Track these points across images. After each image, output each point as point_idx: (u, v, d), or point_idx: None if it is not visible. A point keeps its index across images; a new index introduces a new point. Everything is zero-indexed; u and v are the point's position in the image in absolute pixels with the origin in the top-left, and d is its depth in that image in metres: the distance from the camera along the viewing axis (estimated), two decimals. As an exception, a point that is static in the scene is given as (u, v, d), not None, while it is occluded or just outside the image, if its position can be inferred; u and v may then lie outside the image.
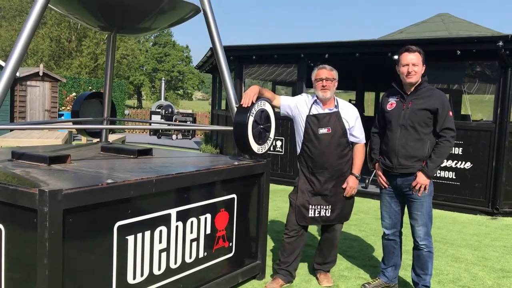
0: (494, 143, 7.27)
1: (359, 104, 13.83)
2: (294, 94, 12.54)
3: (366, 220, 6.50)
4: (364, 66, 11.43)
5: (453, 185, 7.53)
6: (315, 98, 3.87)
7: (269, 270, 4.24)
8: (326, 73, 3.81)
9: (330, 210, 3.85)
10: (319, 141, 3.78)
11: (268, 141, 3.91)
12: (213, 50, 4.16)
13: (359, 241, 5.46)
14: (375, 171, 3.96)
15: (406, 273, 4.28)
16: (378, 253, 4.88)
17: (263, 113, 3.78)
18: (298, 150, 3.96)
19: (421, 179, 3.55)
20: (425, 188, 3.58)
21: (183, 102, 60.07)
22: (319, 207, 3.85)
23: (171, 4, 3.91)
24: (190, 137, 19.74)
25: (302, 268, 4.36)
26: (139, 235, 2.83)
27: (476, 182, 7.38)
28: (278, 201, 7.29)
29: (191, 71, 57.15)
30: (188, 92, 62.12)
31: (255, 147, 3.73)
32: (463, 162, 7.46)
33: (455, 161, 7.51)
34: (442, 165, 7.53)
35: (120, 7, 3.79)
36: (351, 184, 3.87)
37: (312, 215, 3.85)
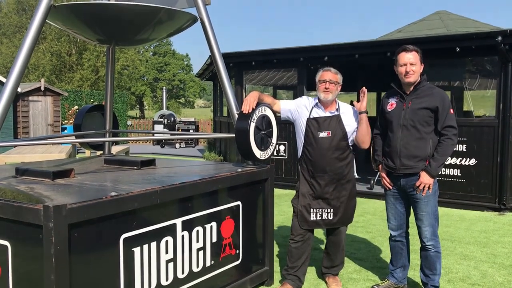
0: (498, 138, 7.24)
1: (361, 105, 13.81)
2: (295, 97, 12.55)
3: (372, 221, 6.47)
4: (364, 67, 11.43)
5: (459, 182, 7.50)
6: (317, 101, 3.87)
7: (277, 276, 4.23)
8: (330, 75, 3.80)
9: (332, 213, 3.83)
10: (318, 144, 3.77)
11: (270, 146, 3.90)
12: (211, 58, 4.17)
13: (366, 243, 5.44)
14: (379, 172, 3.94)
15: (415, 273, 4.26)
16: (386, 254, 4.86)
17: (264, 119, 3.78)
18: (299, 153, 3.96)
19: (425, 179, 3.53)
20: (429, 188, 3.56)
21: (185, 110, 60.25)
22: (320, 210, 3.84)
23: (168, 15, 3.92)
24: (194, 145, 19.77)
25: (311, 273, 4.35)
26: (145, 247, 2.82)
27: (481, 178, 7.35)
28: (284, 206, 7.28)
29: (192, 79, 57.34)
30: (190, 100, 62.30)
31: (257, 153, 3.72)
32: (468, 159, 7.43)
33: (460, 158, 7.48)
34: (447, 163, 7.50)
35: (117, 20, 3.80)
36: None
37: (314, 218, 3.83)
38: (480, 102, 11.43)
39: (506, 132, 7.19)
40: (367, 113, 3.81)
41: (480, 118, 8.74)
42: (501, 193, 7.19)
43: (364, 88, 3.79)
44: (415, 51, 3.59)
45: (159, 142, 19.80)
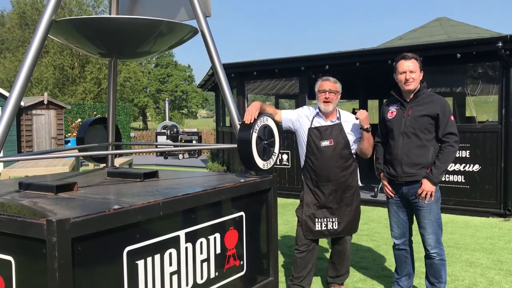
0: (501, 144, 7.23)
1: (363, 113, 13.82)
2: (297, 106, 12.55)
3: (377, 229, 6.44)
4: (366, 74, 11.46)
5: (463, 188, 7.47)
6: (317, 110, 3.88)
7: (282, 286, 4.20)
8: (329, 85, 3.81)
9: (337, 222, 3.82)
10: (321, 153, 3.77)
11: (273, 156, 3.90)
12: (213, 69, 4.18)
13: (371, 251, 5.41)
14: None
15: (420, 281, 4.23)
16: (391, 263, 4.83)
17: (266, 129, 3.78)
18: (302, 163, 3.96)
19: (427, 186, 3.52)
20: (431, 195, 3.55)
21: (188, 121, 60.44)
22: (325, 220, 3.83)
23: (169, 27, 3.94)
24: (197, 155, 19.78)
25: (316, 282, 4.33)
26: (149, 259, 2.81)
27: (485, 184, 7.32)
28: (288, 215, 7.26)
29: (194, 89, 57.61)
30: (193, 111, 62.55)
31: (260, 163, 3.72)
32: (471, 165, 7.41)
33: (463, 164, 7.46)
34: (450, 169, 7.48)
35: (119, 34, 3.82)
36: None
37: (319, 228, 3.83)
38: (483, 107, 11.42)
39: (509, 137, 7.18)
40: (368, 130, 3.74)
41: (483, 124, 8.72)
42: (506, 198, 7.16)
43: (360, 111, 3.73)
44: (414, 58, 3.60)
45: (162, 153, 19.81)
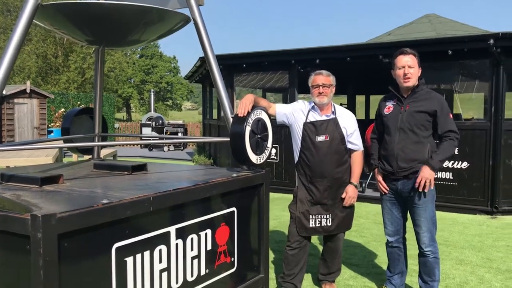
0: (490, 142, 7.25)
1: (350, 108, 13.82)
2: (284, 100, 12.47)
3: (366, 225, 6.41)
4: (354, 69, 11.41)
5: (451, 185, 7.48)
6: (312, 104, 3.79)
7: (272, 283, 4.13)
8: (323, 79, 3.73)
9: (330, 219, 3.75)
10: (317, 148, 3.69)
11: (266, 150, 3.80)
12: (205, 59, 4.06)
13: (361, 247, 5.36)
14: (371, 174, 3.87)
15: (412, 279, 4.19)
16: (382, 259, 4.79)
17: (259, 122, 3.68)
18: (296, 158, 3.87)
19: (426, 173, 3.41)
20: (430, 184, 3.45)
21: (173, 112, 60.06)
22: (319, 216, 3.75)
23: (160, 15, 3.80)
24: (182, 148, 19.61)
25: (307, 279, 4.26)
26: (138, 256, 2.70)
27: (473, 181, 7.34)
28: (276, 210, 7.18)
29: (180, 81, 57.25)
30: (177, 103, 62.15)
31: (253, 157, 3.62)
32: (460, 162, 7.42)
33: (452, 161, 7.46)
34: (439, 166, 7.47)
35: (106, 20, 3.67)
36: (350, 193, 3.77)
37: (313, 225, 3.75)
38: (470, 105, 11.48)
39: (498, 135, 7.20)
40: (356, 187, 3.85)
41: (472, 121, 8.74)
42: (493, 196, 7.19)
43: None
44: (412, 54, 3.54)
45: (147, 145, 19.60)
